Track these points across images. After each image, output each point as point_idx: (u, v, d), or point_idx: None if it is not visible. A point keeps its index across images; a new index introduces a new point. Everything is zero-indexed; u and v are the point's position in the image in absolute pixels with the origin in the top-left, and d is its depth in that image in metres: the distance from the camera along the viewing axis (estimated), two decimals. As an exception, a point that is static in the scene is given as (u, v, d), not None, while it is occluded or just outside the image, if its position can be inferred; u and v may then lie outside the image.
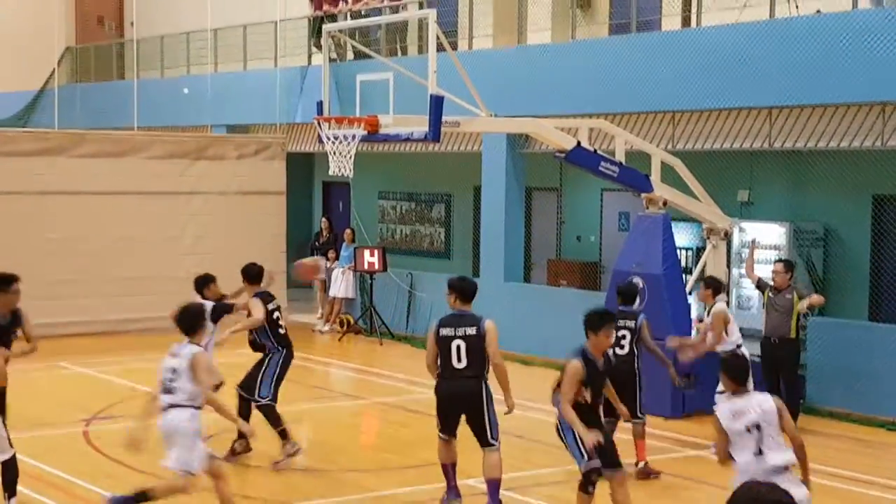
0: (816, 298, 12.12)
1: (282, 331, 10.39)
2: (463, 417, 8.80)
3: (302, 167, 22.70)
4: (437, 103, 11.25)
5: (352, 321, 18.78)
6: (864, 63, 12.10)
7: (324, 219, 21.35)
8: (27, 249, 16.98)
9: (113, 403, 12.77)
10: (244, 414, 10.04)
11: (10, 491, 8.42)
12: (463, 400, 8.66)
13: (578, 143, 12.52)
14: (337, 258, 19.46)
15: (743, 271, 14.67)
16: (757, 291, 12.72)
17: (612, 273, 13.57)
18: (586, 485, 7.87)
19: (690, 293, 13.66)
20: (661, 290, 12.74)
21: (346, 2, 19.26)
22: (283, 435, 10.19)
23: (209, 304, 9.75)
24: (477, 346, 8.58)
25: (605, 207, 17.83)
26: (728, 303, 14.26)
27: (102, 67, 26.82)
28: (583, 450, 7.77)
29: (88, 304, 17.60)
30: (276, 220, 19.48)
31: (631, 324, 10.35)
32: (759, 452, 6.51)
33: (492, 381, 8.73)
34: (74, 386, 14.01)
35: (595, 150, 12.77)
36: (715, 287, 11.42)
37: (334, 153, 11.72)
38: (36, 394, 13.39)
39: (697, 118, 14.70)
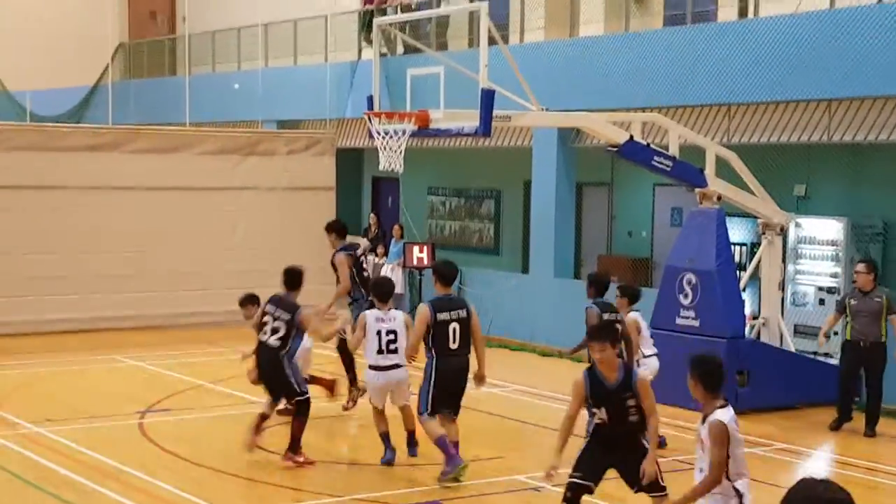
0: None
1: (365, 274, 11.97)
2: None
3: (351, 162, 22.72)
4: (488, 97, 11.14)
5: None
6: (927, 54, 11.82)
7: (372, 214, 21.31)
8: (80, 244, 17.15)
9: (167, 395, 12.85)
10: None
11: None
12: (462, 376, 9.49)
13: (631, 137, 12.35)
14: (386, 254, 19.43)
15: (799, 267, 14.47)
16: (836, 310, 12.07)
17: (664, 269, 13.39)
18: (564, 495, 7.35)
19: (744, 290, 13.43)
20: (714, 287, 12.53)
21: (396, -4, 19.23)
22: (353, 381, 11.54)
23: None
24: (465, 327, 9.41)
25: (658, 202, 17.60)
26: (783, 300, 14.07)
27: (154, 63, 27.04)
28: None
29: (140, 298, 17.74)
30: (325, 215, 19.36)
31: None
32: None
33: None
34: (129, 379, 14.12)
35: (648, 144, 12.60)
36: (631, 295, 10.99)
37: (384, 148, 11.66)
38: (91, 387, 13.55)
39: (753, 111, 14.46)
